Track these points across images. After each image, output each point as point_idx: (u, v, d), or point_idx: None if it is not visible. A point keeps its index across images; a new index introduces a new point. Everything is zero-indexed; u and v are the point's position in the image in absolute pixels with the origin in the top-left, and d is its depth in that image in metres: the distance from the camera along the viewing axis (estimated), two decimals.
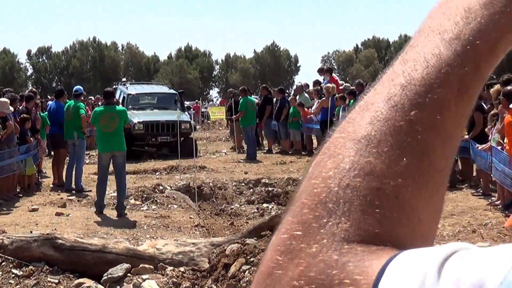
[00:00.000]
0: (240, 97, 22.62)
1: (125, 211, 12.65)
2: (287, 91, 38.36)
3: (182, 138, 19.72)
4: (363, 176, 0.66)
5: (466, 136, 13.62)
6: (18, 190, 14.90)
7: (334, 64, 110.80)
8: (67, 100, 16.95)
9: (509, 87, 11.38)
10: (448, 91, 0.69)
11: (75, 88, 16.52)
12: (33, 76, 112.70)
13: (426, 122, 0.68)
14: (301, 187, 0.70)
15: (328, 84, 19.91)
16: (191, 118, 25.16)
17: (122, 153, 12.70)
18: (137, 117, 22.13)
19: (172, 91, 26.70)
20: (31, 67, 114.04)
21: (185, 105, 27.49)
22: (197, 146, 19.31)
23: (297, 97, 22.80)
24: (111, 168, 12.90)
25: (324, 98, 19.62)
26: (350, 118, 0.72)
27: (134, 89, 26.04)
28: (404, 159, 0.67)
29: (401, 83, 0.70)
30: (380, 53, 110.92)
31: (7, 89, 16.16)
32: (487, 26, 0.71)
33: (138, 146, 21.79)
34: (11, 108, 14.04)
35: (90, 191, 14.64)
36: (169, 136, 21.99)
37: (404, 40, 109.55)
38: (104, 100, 13.62)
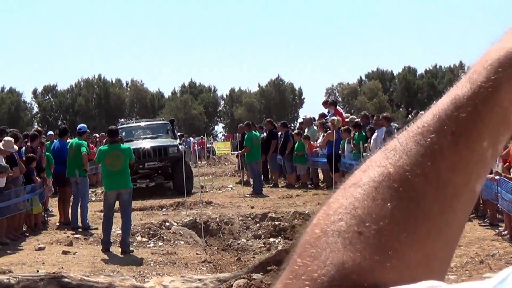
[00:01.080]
0: (245, 132, 22.66)
1: (132, 248, 12.62)
2: (292, 124, 38.42)
3: (171, 163, 19.80)
4: (346, 220, 0.67)
5: None
6: (24, 229, 14.88)
7: (338, 96, 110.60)
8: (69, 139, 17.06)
9: None
10: (441, 136, 0.69)
11: (78, 126, 16.62)
12: (39, 115, 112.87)
13: (416, 169, 0.68)
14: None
15: (333, 117, 19.90)
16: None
17: (128, 190, 12.68)
18: None
19: (164, 121, 26.97)
20: (36, 105, 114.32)
21: (178, 134, 27.73)
22: (192, 170, 19.24)
23: (306, 130, 22.82)
24: (117, 205, 12.86)
25: (329, 131, 19.63)
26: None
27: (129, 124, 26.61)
28: (389, 204, 0.67)
29: (397, 136, 0.72)
30: (384, 85, 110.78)
31: (11, 129, 16.17)
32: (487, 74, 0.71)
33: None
34: (15, 147, 14.08)
35: (97, 228, 14.59)
36: (157, 161, 21.76)
37: (407, 72, 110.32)
38: (108, 138, 13.62)
